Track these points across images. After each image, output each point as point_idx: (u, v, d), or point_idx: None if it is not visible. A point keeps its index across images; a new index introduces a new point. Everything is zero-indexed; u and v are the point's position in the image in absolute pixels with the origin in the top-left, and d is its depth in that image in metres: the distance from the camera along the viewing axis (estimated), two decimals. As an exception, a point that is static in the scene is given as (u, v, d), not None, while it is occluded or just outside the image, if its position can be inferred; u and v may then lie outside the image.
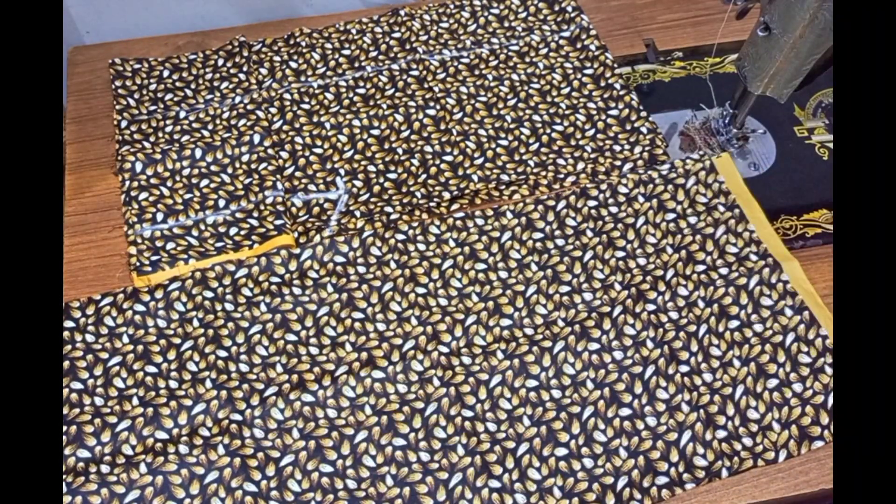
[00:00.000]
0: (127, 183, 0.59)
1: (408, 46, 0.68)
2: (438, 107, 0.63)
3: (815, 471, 0.46)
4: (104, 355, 0.50)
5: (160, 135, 0.62)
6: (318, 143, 0.62)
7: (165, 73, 0.67)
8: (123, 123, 0.63)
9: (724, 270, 0.53)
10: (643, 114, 0.62)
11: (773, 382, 0.49)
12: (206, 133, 0.62)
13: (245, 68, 0.67)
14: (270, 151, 0.61)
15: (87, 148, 0.62)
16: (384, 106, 0.63)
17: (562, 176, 0.59)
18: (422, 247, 0.54)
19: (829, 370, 0.49)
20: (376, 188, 0.59)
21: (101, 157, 0.61)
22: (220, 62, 0.67)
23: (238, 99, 0.64)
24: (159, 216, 0.57)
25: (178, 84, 0.66)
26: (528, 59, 0.67)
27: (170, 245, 0.55)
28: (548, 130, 0.62)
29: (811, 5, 0.47)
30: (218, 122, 0.63)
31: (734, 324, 0.51)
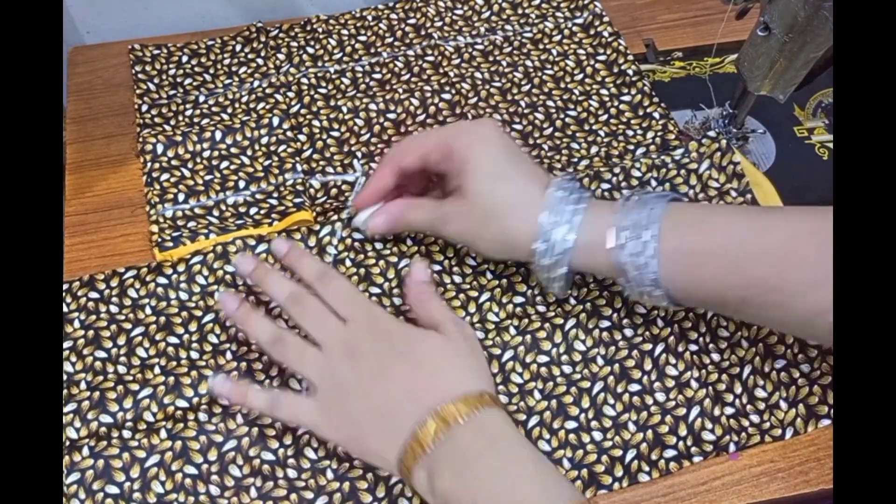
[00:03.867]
0: (149, 164, 0.60)
1: (423, 32, 0.69)
2: (454, 91, 0.64)
3: (814, 471, 0.46)
4: (127, 326, 0.51)
5: (180, 118, 0.63)
6: (336, 126, 0.63)
7: (184, 59, 0.68)
8: (144, 107, 0.64)
9: None
10: (655, 99, 0.63)
11: (780, 363, 0.49)
12: (225, 116, 0.63)
13: (263, 53, 0.68)
14: (290, 134, 0.62)
15: (87, 148, 0.62)
16: (400, 90, 0.64)
17: (576, 160, 0.60)
18: None
19: None
20: (392, 170, 0.60)
21: (101, 157, 0.62)
22: (238, 48, 0.69)
23: (256, 83, 0.65)
24: (181, 196, 0.58)
25: (196, 69, 0.67)
26: (541, 46, 0.68)
27: (191, 224, 0.56)
28: (561, 115, 0.63)
29: (811, 5, 0.47)
30: (237, 105, 0.64)
31: None
